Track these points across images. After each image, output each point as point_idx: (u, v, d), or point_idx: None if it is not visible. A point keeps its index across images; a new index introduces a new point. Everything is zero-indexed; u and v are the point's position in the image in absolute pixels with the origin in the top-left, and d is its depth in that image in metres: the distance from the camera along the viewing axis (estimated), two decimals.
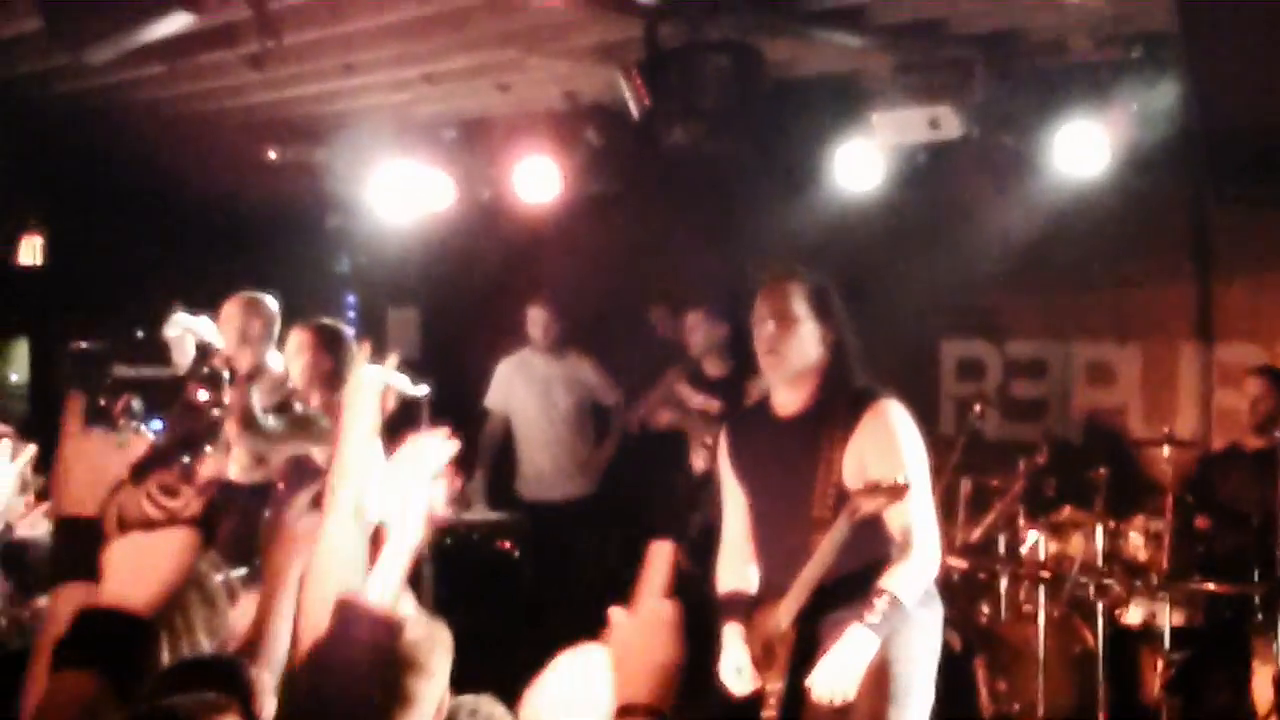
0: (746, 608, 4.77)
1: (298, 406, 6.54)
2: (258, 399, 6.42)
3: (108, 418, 3.36)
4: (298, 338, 6.68)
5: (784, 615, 4.54)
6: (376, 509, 2.81)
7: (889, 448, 4.53)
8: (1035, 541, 7.17)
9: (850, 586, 4.50)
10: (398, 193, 8.89)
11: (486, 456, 8.93)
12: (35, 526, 5.33)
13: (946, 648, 4.93)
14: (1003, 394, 8.56)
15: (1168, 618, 6.74)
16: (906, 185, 7.79)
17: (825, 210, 8.05)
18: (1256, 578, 6.69)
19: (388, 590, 2.70)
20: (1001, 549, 7.36)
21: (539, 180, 8.37)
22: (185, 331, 6.74)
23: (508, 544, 9.00)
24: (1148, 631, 6.90)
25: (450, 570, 7.77)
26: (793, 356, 4.71)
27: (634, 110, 6.78)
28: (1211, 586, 6.78)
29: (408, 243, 9.82)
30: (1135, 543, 6.99)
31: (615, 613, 2.42)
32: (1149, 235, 8.03)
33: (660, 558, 2.55)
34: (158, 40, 5.71)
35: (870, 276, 8.14)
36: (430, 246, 9.94)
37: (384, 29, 6.95)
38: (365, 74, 7.85)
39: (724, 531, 5.00)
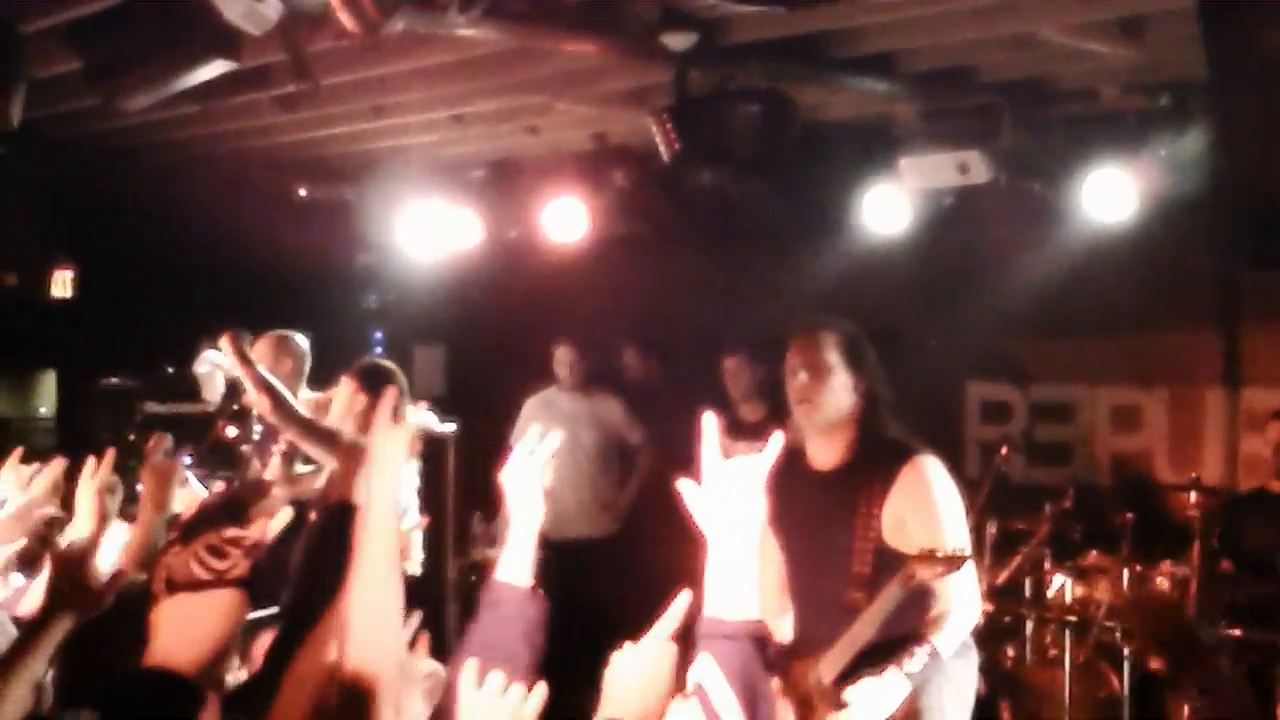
0: (780, 659, 4.78)
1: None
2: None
3: (138, 454, 3.41)
4: (343, 383, 6.65)
5: (826, 671, 4.53)
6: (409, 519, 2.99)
7: (928, 506, 4.54)
8: (1061, 585, 7.17)
9: (893, 646, 4.49)
10: (426, 231, 8.94)
11: None
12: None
13: None
14: (1028, 438, 8.56)
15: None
16: (934, 229, 7.81)
17: (853, 254, 8.09)
18: None
19: (524, 569, 3.02)
20: (1027, 593, 7.36)
21: (567, 220, 8.43)
22: (214, 368, 6.80)
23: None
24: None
25: (474, 608, 7.78)
26: (826, 407, 4.72)
27: (664, 154, 6.81)
28: (1238, 632, 6.77)
29: (435, 281, 9.86)
30: (1161, 587, 6.98)
31: (622, 648, 2.47)
32: (1176, 281, 8.05)
33: (679, 604, 2.61)
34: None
35: (896, 319, 8.16)
36: (458, 285, 9.99)
37: (414, 72, 7.00)
38: (395, 116, 7.90)
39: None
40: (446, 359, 11.11)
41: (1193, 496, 7.06)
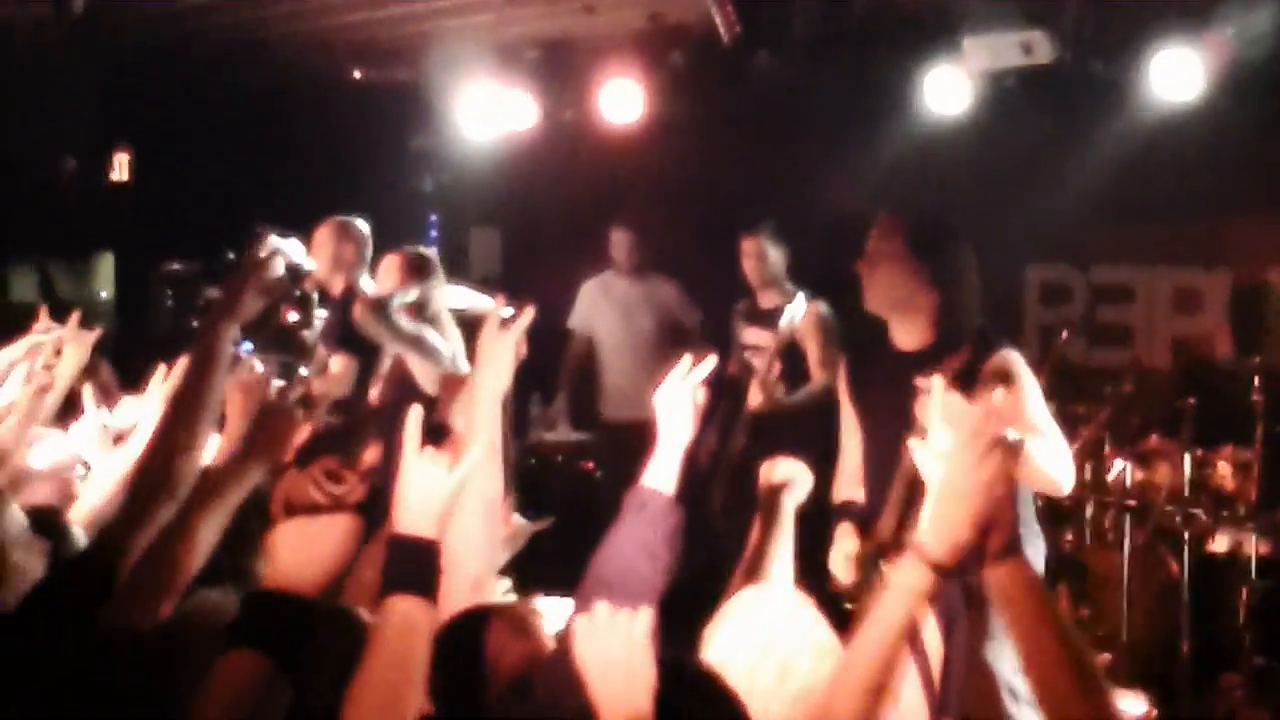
0: (859, 514, 4.88)
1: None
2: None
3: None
4: (389, 263, 6.73)
5: (887, 525, 4.62)
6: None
7: (1011, 398, 4.58)
8: (1121, 470, 7.16)
9: None
10: (481, 113, 8.91)
11: (569, 378, 8.99)
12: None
13: None
14: (1088, 320, 8.50)
15: (1254, 548, 6.72)
16: (996, 111, 7.71)
17: (912, 137, 8.00)
18: None
19: (670, 479, 3.19)
20: (1087, 476, 7.35)
21: (622, 102, 8.38)
22: (275, 254, 6.82)
23: (590, 464, 9.11)
24: (1233, 561, 6.88)
25: (533, 491, 7.87)
26: (886, 291, 4.82)
27: (723, 35, 6.76)
28: None
29: (491, 163, 9.83)
30: (1223, 473, 6.95)
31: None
32: (1242, 162, 7.91)
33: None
34: None
35: (955, 203, 8.08)
36: (513, 167, 9.95)
37: None
38: None
39: (842, 455, 5.12)
40: (502, 242, 11.11)
41: (1256, 380, 7.00)
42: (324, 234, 7.11)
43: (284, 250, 6.53)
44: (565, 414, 8.99)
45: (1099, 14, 6.88)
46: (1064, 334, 7.65)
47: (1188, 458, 6.93)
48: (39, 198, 9.98)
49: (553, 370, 8.88)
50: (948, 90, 7.49)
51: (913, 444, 2.58)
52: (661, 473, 3.25)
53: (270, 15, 8.63)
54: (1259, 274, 8.12)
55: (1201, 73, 6.79)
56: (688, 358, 3.44)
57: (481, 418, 3.20)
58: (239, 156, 9.81)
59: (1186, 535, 6.88)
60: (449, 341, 6.31)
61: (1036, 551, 4.90)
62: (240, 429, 3.70)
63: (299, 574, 2.41)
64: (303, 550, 2.44)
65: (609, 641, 2.40)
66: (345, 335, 6.73)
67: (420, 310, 6.41)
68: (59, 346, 4.59)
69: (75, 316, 4.69)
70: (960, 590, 2.72)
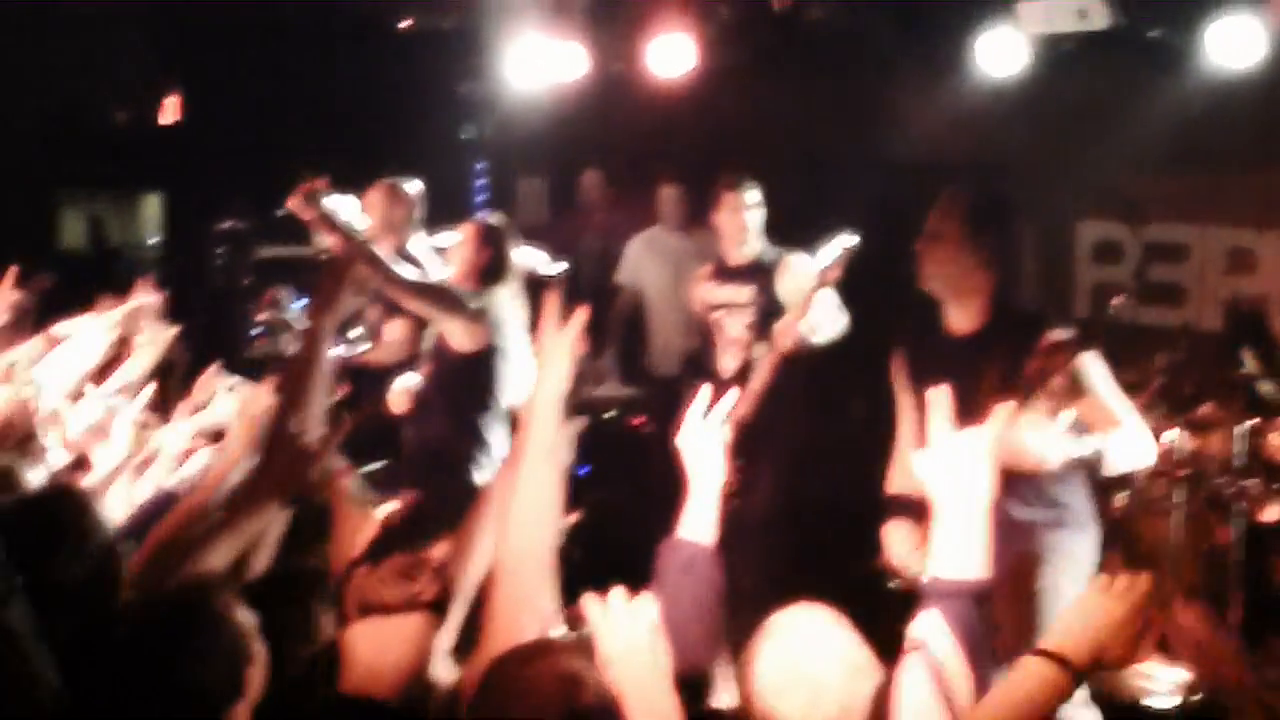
0: (913, 508, 4.80)
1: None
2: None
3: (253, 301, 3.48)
4: (464, 231, 6.63)
5: None
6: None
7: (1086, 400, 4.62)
8: (1173, 438, 7.11)
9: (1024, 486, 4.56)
10: (530, 63, 8.86)
11: (617, 332, 8.99)
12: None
13: None
14: (1141, 278, 8.42)
15: None
16: (1049, 74, 7.61)
17: (964, 94, 7.91)
18: None
19: (708, 528, 3.08)
20: None
21: (672, 54, 8.31)
22: (329, 212, 6.80)
23: (640, 419, 9.10)
24: None
25: (583, 446, 7.86)
26: (942, 273, 4.77)
27: None
28: None
29: (539, 113, 9.77)
30: (1275, 443, 6.90)
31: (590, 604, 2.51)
32: None
33: None
34: None
35: (1007, 161, 8.02)
36: (561, 117, 9.88)
37: None
38: None
39: (898, 439, 5.07)
40: (549, 191, 11.06)
41: None
42: (375, 195, 7.08)
43: (337, 208, 6.53)
44: (614, 369, 8.98)
45: None
46: (1118, 298, 7.61)
47: (1241, 428, 6.88)
48: (90, 141, 10.01)
49: (599, 324, 8.86)
50: (1003, 51, 7.39)
51: (914, 455, 2.65)
52: (699, 522, 3.16)
53: None
54: None
55: (1263, 39, 6.67)
56: (705, 391, 3.33)
57: (540, 421, 3.14)
58: (288, 102, 9.79)
59: (1238, 505, 6.84)
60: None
61: (1088, 538, 4.87)
62: (239, 453, 3.65)
63: (377, 678, 2.41)
64: (380, 653, 2.44)
65: (628, 629, 2.41)
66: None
67: (495, 275, 6.33)
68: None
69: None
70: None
